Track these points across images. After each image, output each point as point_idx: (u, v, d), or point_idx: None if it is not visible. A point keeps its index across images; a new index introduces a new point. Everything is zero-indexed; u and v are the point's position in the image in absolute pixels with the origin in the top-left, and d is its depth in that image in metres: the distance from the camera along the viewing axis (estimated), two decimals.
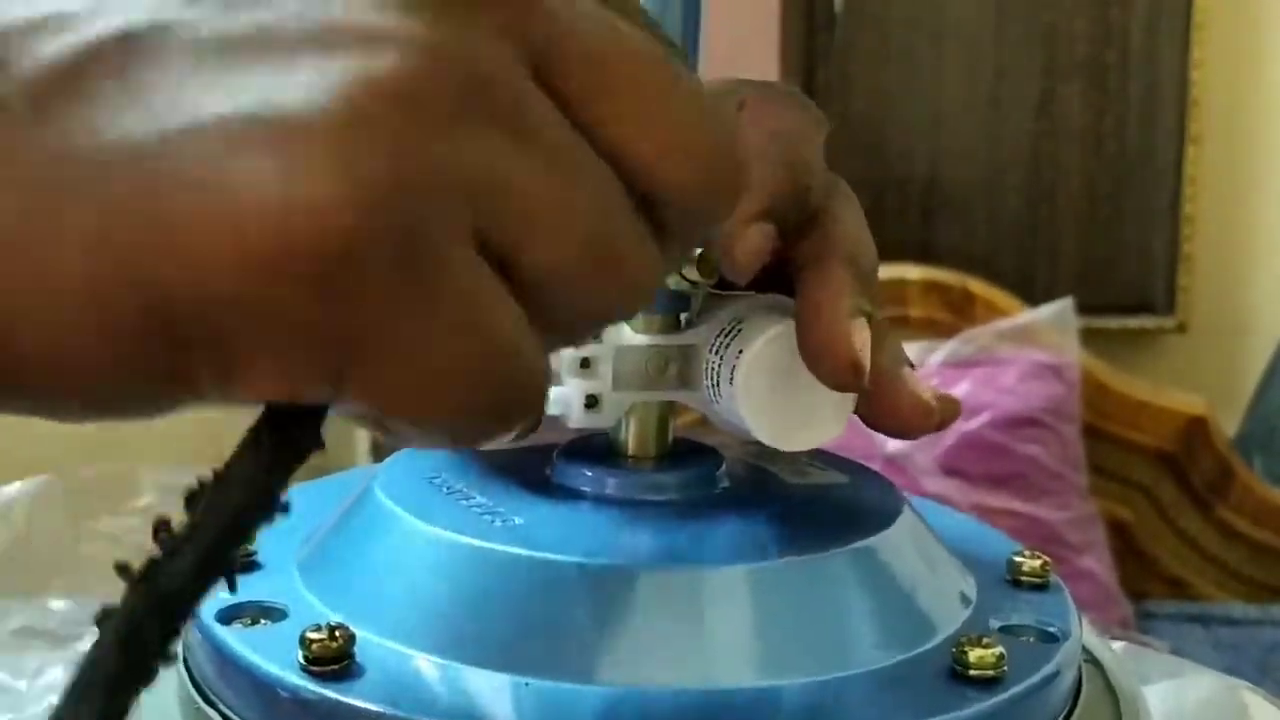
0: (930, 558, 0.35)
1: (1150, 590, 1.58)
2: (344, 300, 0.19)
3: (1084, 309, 1.60)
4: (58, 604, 0.59)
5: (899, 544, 0.34)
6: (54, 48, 0.20)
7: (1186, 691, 0.37)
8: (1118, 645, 0.40)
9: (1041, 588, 0.36)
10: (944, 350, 1.52)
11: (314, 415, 0.21)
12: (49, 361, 0.20)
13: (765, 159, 0.33)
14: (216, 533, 0.20)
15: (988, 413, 1.48)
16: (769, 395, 0.33)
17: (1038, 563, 0.36)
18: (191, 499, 0.21)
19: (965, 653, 0.30)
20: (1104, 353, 1.65)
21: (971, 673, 0.30)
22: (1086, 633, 0.37)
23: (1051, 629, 0.34)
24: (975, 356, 1.51)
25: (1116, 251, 1.93)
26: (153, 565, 0.20)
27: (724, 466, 0.36)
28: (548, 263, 0.21)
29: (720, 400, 0.33)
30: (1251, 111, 1.93)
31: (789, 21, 1.78)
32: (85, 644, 0.57)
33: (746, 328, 0.33)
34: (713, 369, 0.33)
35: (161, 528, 0.21)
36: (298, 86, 0.19)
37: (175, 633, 0.20)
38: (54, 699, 0.48)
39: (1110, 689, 0.36)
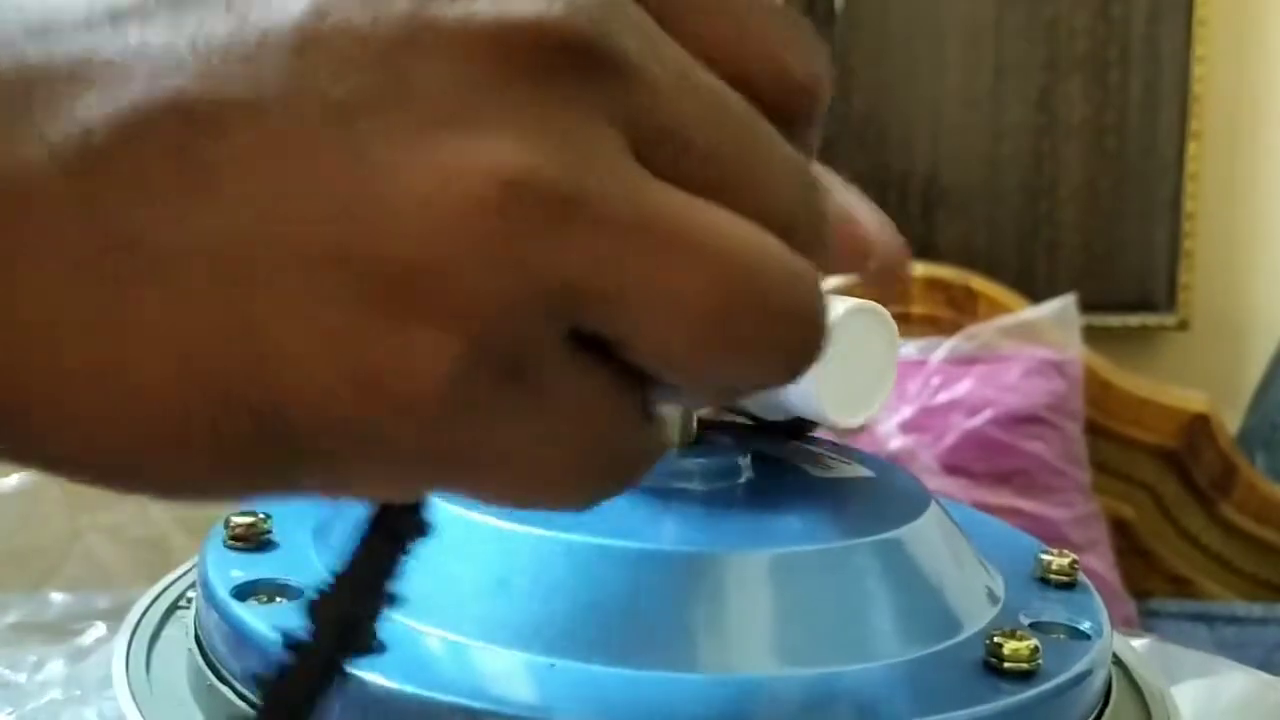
0: (957, 553, 0.35)
1: (1153, 588, 1.58)
2: (454, 425, 0.19)
3: (1085, 306, 1.59)
4: (57, 597, 0.59)
5: (928, 536, 0.34)
6: (94, 114, 0.18)
7: (1220, 690, 0.36)
8: (1140, 643, 0.40)
9: (1069, 586, 0.35)
10: (946, 347, 1.52)
11: (419, 508, 0.22)
12: (130, 466, 0.19)
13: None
14: (339, 640, 0.22)
15: (990, 410, 1.47)
16: (835, 374, 0.33)
17: (1065, 561, 0.36)
18: (314, 607, 0.22)
19: (999, 645, 0.30)
20: (1105, 350, 1.64)
21: (1006, 665, 0.30)
22: (1118, 640, 0.36)
23: (1082, 626, 0.33)
24: (977, 353, 1.51)
25: (1117, 248, 1.92)
26: (283, 677, 0.22)
27: (749, 457, 0.36)
28: (658, 353, 0.20)
29: None
30: (1253, 108, 1.92)
31: None
32: (85, 638, 0.56)
33: None
34: None
35: (288, 640, 0.22)
36: (387, 207, 0.18)
37: None
38: (54, 693, 0.47)
39: (1137, 689, 0.35)
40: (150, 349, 0.18)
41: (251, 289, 0.18)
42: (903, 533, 0.33)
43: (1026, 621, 0.33)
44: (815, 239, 0.22)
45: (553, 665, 0.28)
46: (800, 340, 0.21)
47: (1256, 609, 1.53)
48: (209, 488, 0.19)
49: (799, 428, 0.36)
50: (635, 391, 0.20)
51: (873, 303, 0.33)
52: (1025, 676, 0.30)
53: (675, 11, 0.21)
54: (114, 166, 0.18)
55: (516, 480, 0.20)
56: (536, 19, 0.18)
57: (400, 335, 0.18)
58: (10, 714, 0.43)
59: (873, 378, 0.34)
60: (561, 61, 0.19)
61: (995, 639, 0.30)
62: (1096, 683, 0.32)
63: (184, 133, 0.18)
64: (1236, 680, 0.37)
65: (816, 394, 0.33)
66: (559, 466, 0.20)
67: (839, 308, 0.33)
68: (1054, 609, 0.34)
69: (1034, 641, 0.30)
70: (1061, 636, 0.33)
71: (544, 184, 0.18)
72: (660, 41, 0.20)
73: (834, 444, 0.38)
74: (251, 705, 0.30)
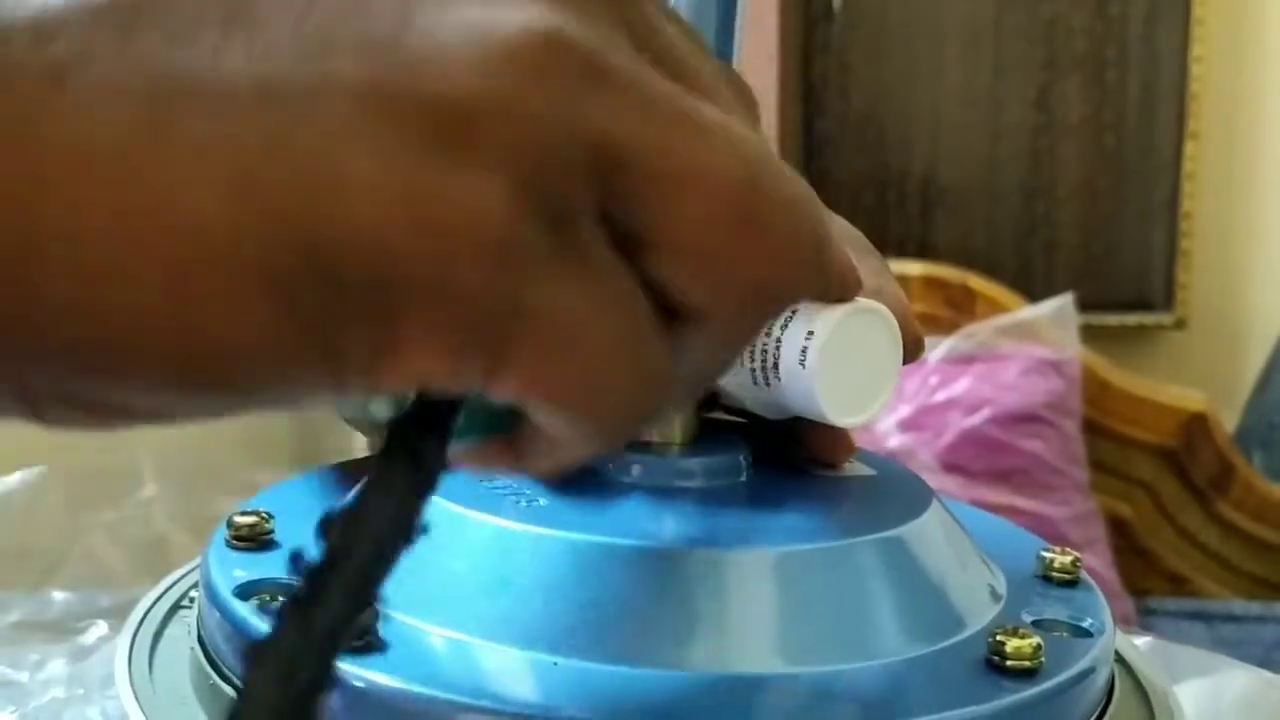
0: (959, 551, 0.35)
1: (1151, 587, 1.58)
2: (514, 268, 0.18)
3: (1083, 305, 1.59)
4: (58, 596, 0.59)
5: (929, 534, 0.34)
6: None
7: (1223, 688, 0.36)
8: (1141, 641, 0.40)
9: (1072, 584, 0.35)
10: (944, 346, 1.52)
11: (443, 433, 0.21)
12: (176, 318, 0.17)
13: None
14: (362, 565, 0.20)
15: (988, 408, 1.47)
16: (836, 374, 0.33)
17: (1068, 559, 0.35)
18: (327, 527, 0.20)
19: (1002, 643, 0.30)
20: (1103, 349, 1.64)
21: (1008, 663, 0.30)
22: (1120, 639, 0.36)
23: (1085, 624, 0.33)
24: (975, 352, 1.51)
25: (1115, 247, 1.92)
26: (303, 602, 0.19)
27: (749, 455, 0.35)
28: (687, 235, 0.20)
29: (777, 382, 0.33)
30: (1251, 107, 1.92)
31: (787, 16, 1.78)
32: (87, 637, 0.56)
33: (802, 313, 0.33)
34: (765, 353, 0.33)
35: (300, 560, 0.20)
36: (436, 48, 0.18)
37: (329, 669, 0.19)
38: (56, 692, 0.47)
39: (1140, 687, 0.35)
40: (200, 168, 0.17)
41: (302, 115, 0.17)
42: (904, 531, 0.33)
43: (1029, 619, 0.33)
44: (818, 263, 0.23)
45: (555, 663, 0.28)
46: (812, 235, 0.21)
47: (1254, 607, 1.53)
48: (256, 356, 0.18)
49: (799, 427, 0.36)
50: (661, 318, 0.20)
51: (875, 303, 0.33)
52: (1028, 674, 0.30)
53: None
54: (150, 3, 0.17)
55: (566, 364, 0.19)
56: None
57: (454, 173, 0.18)
58: (12, 712, 0.43)
59: (874, 378, 0.34)
60: None
61: (998, 637, 0.30)
62: (1099, 681, 0.32)
63: None
64: (1238, 679, 0.37)
65: (817, 393, 0.33)
66: (605, 356, 0.20)
67: (839, 309, 0.32)
68: (1056, 607, 0.34)
69: (1036, 639, 0.30)
70: (1064, 634, 0.33)
71: (579, 46, 0.19)
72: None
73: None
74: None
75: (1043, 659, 0.30)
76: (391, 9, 0.18)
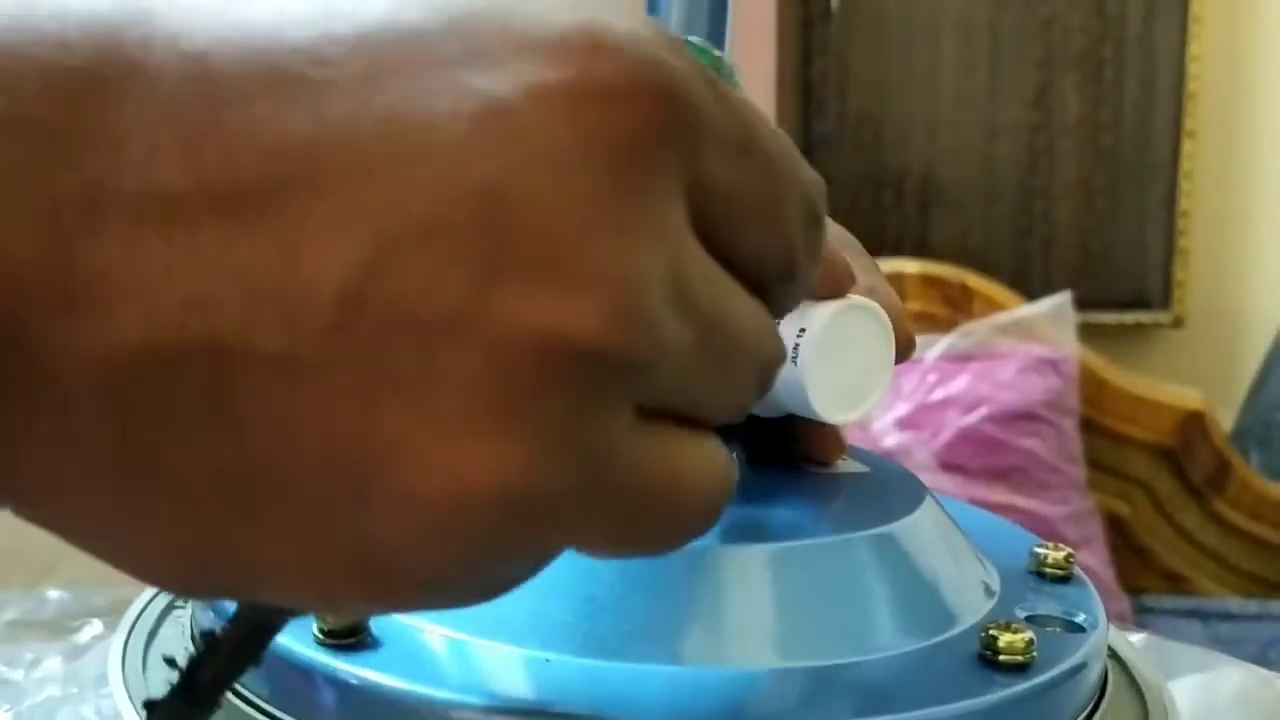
0: (953, 547, 0.35)
1: (1148, 585, 1.58)
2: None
3: (1080, 304, 1.60)
4: (54, 594, 0.58)
5: (922, 531, 0.33)
6: (130, 335, 0.17)
7: (1217, 685, 0.36)
8: (1136, 638, 0.40)
9: (1065, 580, 0.35)
10: (941, 344, 1.52)
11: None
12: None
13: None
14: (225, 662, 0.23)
15: (985, 407, 1.47)
16: (828, 370, 0.33)
17: (1061, 555, 0.35)
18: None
19: (995, 638, 0.30)
20: (1100, 347, 1.64)
21: (1001, 658, 0.30)
22: (1115, 636, 0.36)
23: (1078, 619, 0.33)
24: (973, 350, 1.51)
25: (1113, 246, 1.92)
26: (192, 665, 0.22)
27: (744, 453, 0.35)
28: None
29: None
30: (1248, 106, 1.92)
31: (785, 15, 1.78)
32: (82, 635, 0.56)
33: (794, 309, 0.33)
34: None
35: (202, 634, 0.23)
36: (388, 492, 0.19)
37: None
38: (51, 690, 0.47)
39: (1134, 683, 0.35)
40: (155, 548, 0.19)
41: (252, 515, 0.18)
42: (897, 527, 0.33)
43: (1022, 615, 0.33)
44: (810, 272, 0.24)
45: (548, 660, 0.28)
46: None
47: (1251, 605, 1.53)
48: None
49: (792, 425, 0.36)
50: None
51: (867, 299, 0.33)
52: (1020, 669, 0.30)
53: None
54: (143, 390, 0.18)
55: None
56: (587, 338, 0.18)
57: (372, 604, 0.20)
58: (7, 711, 0.43)
59: (866, 376, 0.34)
60: (598, 382, 0.19)
61: (990, 632, 0.30)
62: (1092, 675, 0.32)
63: (215, 376, 0.18)
64: (1234, 675, 0.37)
65: (808, 390, 0.33)
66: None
67: (831, 305, 0.32)
68: (1049, 602, 0.34)
69: (1029, 634, 0.30)
70: (1057, 630, 0.33)
71: (540, 504, 0.19)
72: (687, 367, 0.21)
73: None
74: (249, 704, 0.30)
75: (1035, 654, 0.30)
76: (366, 425, 0.18)
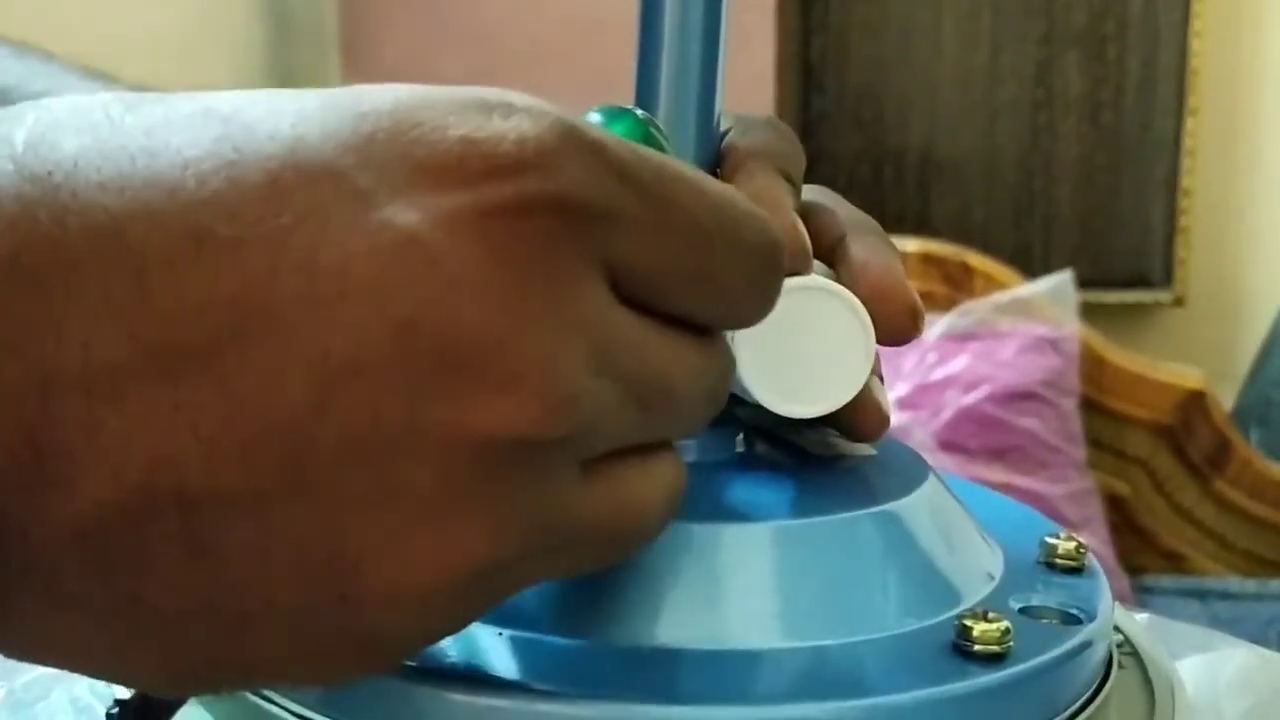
0: (954, 532, 0.34)
1: (1147, 564, 1.58)
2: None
3: (1081, 282, 1.59)
4: None
5: (917, 514, 0.33)
6: (105, 493, 0.19)
7: (1221, 665, 0.36)
8: (1140, 618, 0.39)
9: (1076, 571, 0.34)
10: (942, 323, 1.51)
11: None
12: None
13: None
14: None
15: (986, 386, 1.47)
16: (773, 358, 0.31)
17: (1072, 545, 0.35)
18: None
19: (969, 627, 0.29)
20: (1101, 326, 1.64)
21: (975, 648, 0.29)
22: (1123, 617, 0.36)
23: (1074, 612, 0.32)
24: (973, 329, 1.51)
25: (1114, 224, 1.92)
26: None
27: (743, 432, 0.35)
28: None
29: None
30: (1251, 83, 1.92)
31: None
32: None
33: None
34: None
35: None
36: (364, 593, 0.20)
37: None
38: (46, 668, 0.46)
39: (1143, 670, 0.35)
40: (150, 670, 0.20)
41: (241, 631, 0.20)
42: (889, 508, 0.32)
43: (1016, 605, 0.32)
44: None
45: (540, 640, 0.28)
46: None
47: (1250, 585, 1.53)
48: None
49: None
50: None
51: (828, 283, 0.32)
52: (995, 659, 0.29)
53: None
54: (119, 544, 0.19)
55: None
56: (519, 430, 0.20)
57: (367, 673, 0.22)
58: (1, 688, 0.43)
59: (834, 365, 0.32)
60: (538, 460, 0.21)
61: (965, 621, 0.29)
62: (1079, 668, 0.31)
63: (185, 520, 0.19)
64: (1237, 656, 0.36)
65: (746, 378, 0.31)
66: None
67: (788, 283, 0.31)
68: (1052, 593, 0.33)
69: (1004, 624, 0.29)
70: (1053, 621, 0.32)
71: (506, 568, 0.21)
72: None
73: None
74: (258, 695, 0.30)
75: (1010, 644, 0.29)
76: (335, 542, 0.20)
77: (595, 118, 0.30)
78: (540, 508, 0.21)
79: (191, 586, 0.19)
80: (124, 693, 0.27)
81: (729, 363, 0.26)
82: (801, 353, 0.31)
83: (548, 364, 0.20)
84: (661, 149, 0.30)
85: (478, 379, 0.20)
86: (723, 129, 0.35)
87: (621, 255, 0.22)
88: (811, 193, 0.36)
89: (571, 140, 0.21)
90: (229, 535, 0.19)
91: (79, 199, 0.19)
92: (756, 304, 0.25)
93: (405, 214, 0.19)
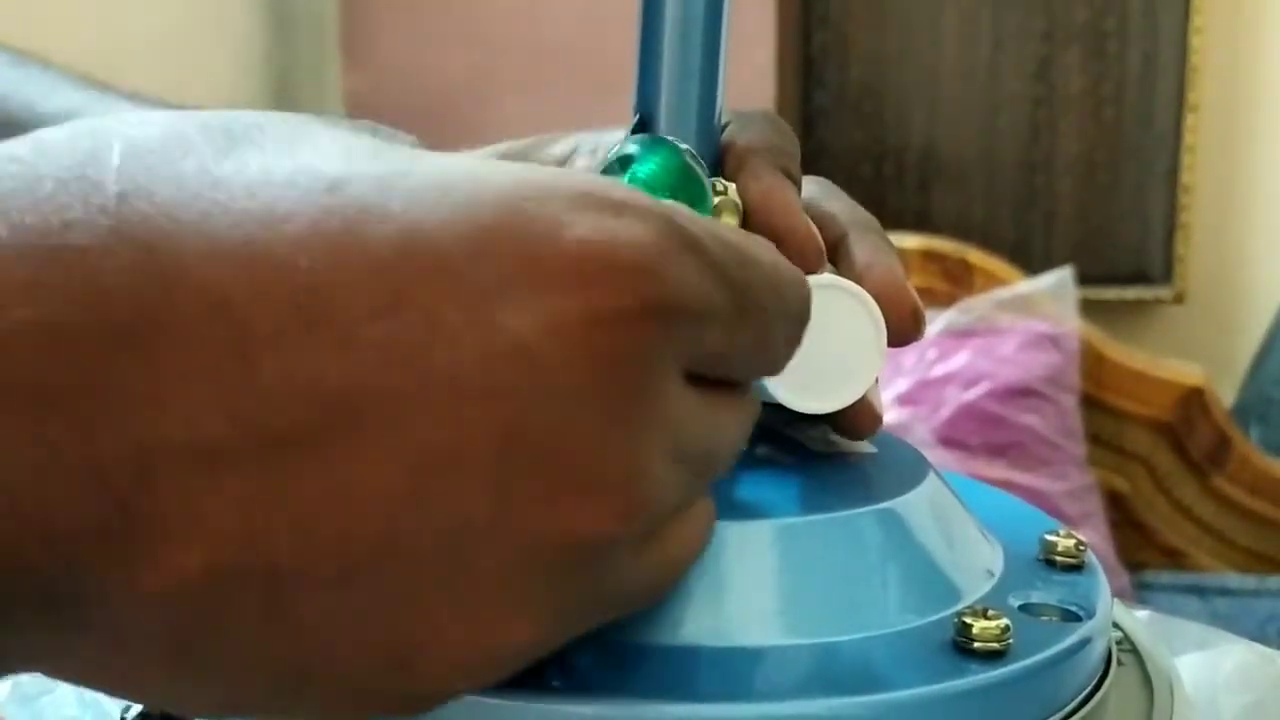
0: (953, 529, 0.34)
1: (1147, 561, 1.58)
2: None
3: (1081, 279, 1.59)
4: None
5: (917, 511, 0.33)
6: (191, 567, 0.19)
7: (1219, 662, 0.36)
8: (1140, 615, 0.39)
9: (1075, 569, 0.34)
10: (942, 320, 1.51)
11: None
12: None
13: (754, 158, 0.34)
14: None
15: (986, 383, 1.47)
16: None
17: (1071, 542, 0.35)
18: None
19: (968, 625, 0.29)
20: (1101, 323, 1.64)
21: (975, 645, 0.29)
22: (1122, 614, 0.36)
23: (1073, 609, 0.32)
24: (973, 326, 1.51)
25: (1114, 221, 1.92)
26: None
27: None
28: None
29: None
30: (1251, 80, 1.91)
31: None
32: None
33: None
34: None
35: None
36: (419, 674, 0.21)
37: None
38: None
39: (1142, 668, 0.35)
40: (200, 709, 0.21)
41: (300, 692, 0.20)
42: (888, 506, 0.32)
43: (1015, 602, 0.32)
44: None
45: None
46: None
47: (1249, 581, 1.53)
48: None
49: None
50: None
51: (842, 280, 0.32)
52: (995, 656, 0.29)
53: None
54: (199, 608, 0.19)
55: None
56: (600, 532, 0.21)
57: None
58: (6, 682, 0.43)
59: (847, 361, 0.32)
60: (606, 555, 0.22)
61: (965, 618, 0.29)
62: (1078, 665, 0.31)
63: (270, 592, 0.19)
64: (1236, 653, 0.37)
65: (765, 383, 0.31)
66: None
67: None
68: (1052, 590, 0.33)
69: (1004, 621, 0.29)
70: (1053, 619, 0.32)
71: (549, 647, 0.23)
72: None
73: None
74: None
75: (1009, 641, 0.29)
76: (397, 605, 0.21)
77: (632, 149, 0.31)
78: (599, 593, 0.22)
79: (262, 649, 0.20)
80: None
81: (758, 407, 0.27)
82: (817, 349, 0.31)
83: (633, 467, 0.21)
84: (699, 179, 0.31)
85: (568, 482, 0.20)
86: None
87: (705, 347, 0.23)
88: (810, 184, 0.37)
89: (676, 242, 0.21)
90: (309, 607, 0.19)
91: (183, 264, 0.18)
92: (790, 355, 0.26)
93: (518, 318, 0.20)
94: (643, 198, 0.22)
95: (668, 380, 0.22)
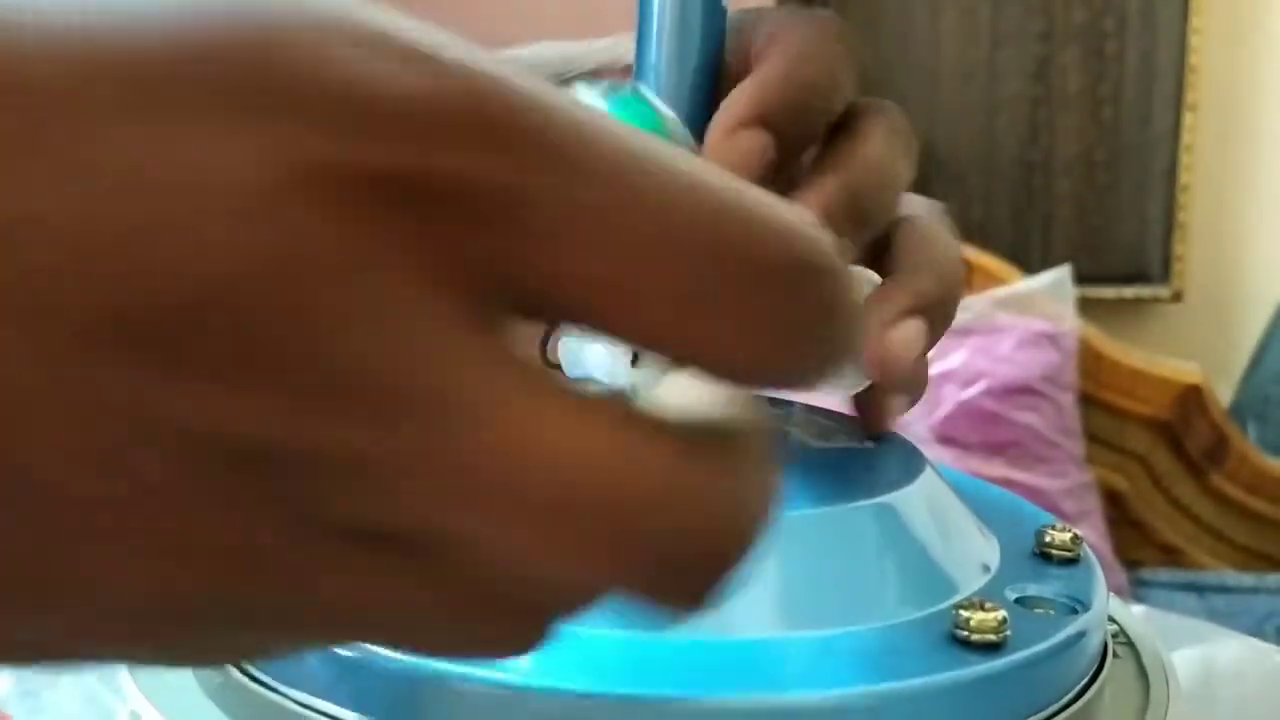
0: (950, 523, 0.34)
1: (1145, 558, 1.58)
2: None
3: (1080, 278, 1.59)
4: None
5: (914, 505, 0.33)
6: None
7: (1215, 657, 0.36)
8: (1136, 611, 0.39)
9: (1071, 562, 0.35)
10: None
11: None
12: None
13: (768, 72, 0.33)
14: None
15: (984, 381, 1.47)
16: None
17: (1067, 536, 0.35)
18: None
19: (966, 618, 0.30)
20: (1099, 322, 1.64)
21: (972, 637, 0.29)
22: (1118, 608, 0.36)
23: (1069, 602, 0.33)
24: (972, 325, 1.51)
25: (1113, 220, 1.92)
26: None
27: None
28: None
29: None
30: (1249, 80, 1.92)
31: None
32: None
33: None
34: None
35: None
36: None
37: None
38: None
39: (1138, 661, 0.35)
40: None
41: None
42: (885, 500, 0.32)
43: (1012, 595, 0.32)
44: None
45: None
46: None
47: (1247, 579, 1.54)
48: None
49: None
50: None
51: (859, 267, 0.33)
52: (992, 648, 0.29)
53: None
54: None
55: None
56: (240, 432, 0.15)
57: None
58: (9, 675, 0.43)
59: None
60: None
61: (962, 611, 0.30)
62: (1074, 658, 0.32)
63: None
64: (1231, 648, 0.37)
65: None
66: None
67: None
68: (1048, 584, 0.33)
69: (1001, 614, 0.29)
70: (1049, 611, 0.32)
71: None
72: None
73: (839, 414, 0.38)
74: (257, 683, 0.30)
75: (1006, 633, 0.29)
76: None
77: (599, 103, 0.27)
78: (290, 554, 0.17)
79: None
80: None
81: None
82: None
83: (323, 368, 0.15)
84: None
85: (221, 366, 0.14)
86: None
87: (514, 273, 0.15)
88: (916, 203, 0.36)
89: (486, 107, 0.15)
90: None
91: None
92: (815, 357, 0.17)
93: (227, 150, 0.14)
94: (465, 53, 0.16)
95: (411, 286, 0.15)
